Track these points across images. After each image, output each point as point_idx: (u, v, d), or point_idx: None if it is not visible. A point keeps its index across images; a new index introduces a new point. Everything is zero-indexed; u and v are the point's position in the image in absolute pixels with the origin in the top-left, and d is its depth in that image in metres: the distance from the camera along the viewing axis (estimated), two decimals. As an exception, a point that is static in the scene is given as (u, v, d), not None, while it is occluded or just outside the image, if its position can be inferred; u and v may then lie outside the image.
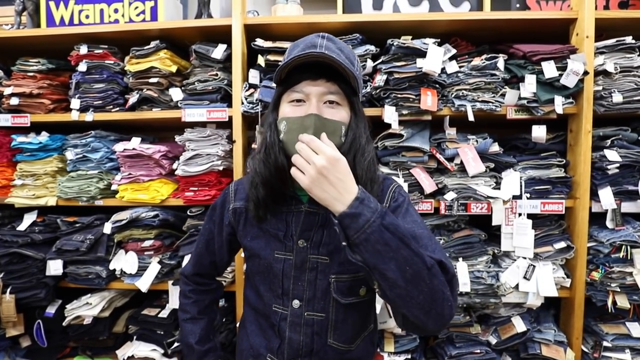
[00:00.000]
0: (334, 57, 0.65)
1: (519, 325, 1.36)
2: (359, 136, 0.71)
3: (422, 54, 1.33)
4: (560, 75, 1.28)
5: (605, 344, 1.34)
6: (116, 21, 1.53)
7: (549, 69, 1.29)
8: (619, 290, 1.32)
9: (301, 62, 0.67)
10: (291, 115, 0.69)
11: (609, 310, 1.33)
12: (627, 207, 1.33)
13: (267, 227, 0.76)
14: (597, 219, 1.37)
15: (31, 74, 1.51)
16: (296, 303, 0.73)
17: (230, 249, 0.88)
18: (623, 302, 1.32)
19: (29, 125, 1.50)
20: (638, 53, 1.33)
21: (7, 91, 1.49)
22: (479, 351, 1.35)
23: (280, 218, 0.75)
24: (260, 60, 1.41)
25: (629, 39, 1.32)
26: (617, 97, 1.31)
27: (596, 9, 1.32)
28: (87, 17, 1.53)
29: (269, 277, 0.75)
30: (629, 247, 1.30)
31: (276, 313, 0.75)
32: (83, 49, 1.48)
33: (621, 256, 1.30)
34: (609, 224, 1.35)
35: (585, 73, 1.28)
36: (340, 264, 0.72)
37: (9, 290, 1.43)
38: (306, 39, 0.71)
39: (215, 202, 0.86)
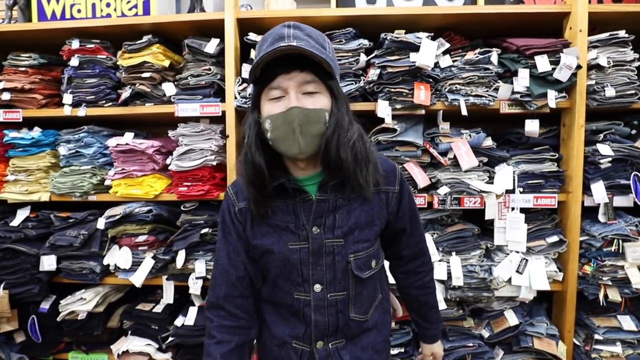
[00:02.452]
0: (302, 47, 0.65)
1: (512, 318, 1.37)
2: (341, 119, 0.72)
3: (416, 48, 1.32)
4: (554, 69, 1.28)
5: (596, 337, 1.35)
6: (108, 15, 1.52)
7: (542, 63, 1.29)
8: (610, 283, 1.33)
9: (272, 58, 0.66)
10: (273, 112, 0.70)
11: (601, 304, 1.34)
12: (619, 201, 1.34)
13: (276, 222, 0.76)
14: (589, 213, 1.38)
15: (23, 68, 1.50)
16: (318, 287, 0.76)
17: (253, 255, 0.82)
18: (614, 295, 1.33)
19: (21, 120, 1.49)
20: (631, 47, 1.33)
21: (-1, 86, 1.48)
22: (471, 344, 1.36)
23: (287, 210, 0.76)
24: (253, 55, 1.40)
25: (622, 33, 1.32)
26: (610, 91, 1.31)
27: (590, 2, 1.32)
28: (79, 11, 1.52)
29: (286, 268, 0.76)
30: (620, 241, 1.31)
31: (299, 300, 0.77)
32: (75, 44, 1.47)
33: (613, 250, 1.31)
34: (601, 218, 1.35)
35: (579, 67, 1.28)
36: (354, 243, 0.77)
37: (2, 285, 1.43)
38: (273, 31, 0.70)
39: (221, 213, 0.83)
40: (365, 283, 0.79)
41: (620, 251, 1.31)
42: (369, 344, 0.81)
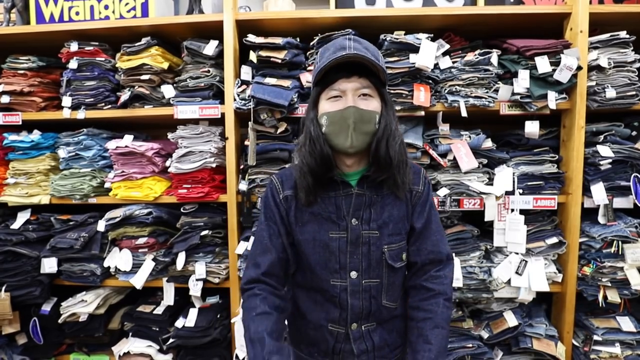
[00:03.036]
0: (368, 56, 0.75)
1: (511, 319, 1.37)
2: (390, 122, 0.81)
3: (415, 49, 1.32)
4: (554, 70, 1.28)
5: (595, 337, 1.35)
6: (107, 17, 1.51)
7: (543, 64, 1.28)
8: (610, 285, 1.33)
9: (337, 63, 0.76)
10: (331, 110, 0.79)
11: (600, 305, 1.34)
12: (619, 202, 1.34)
13: (319, 211, 0.84)
14: (589, 214, 1.38)
15: (22, 71, 1.50)
16: (354, 274, 0.83)
17: (292, 241, 0.87)
18: (614, 296, 1.33)
19: (20, 123, 1.50)
20: (632, 48, 1.32)
21: (-2, 89, 1.48)
22: (471, 345, 1.37)
23: (330, 202, 0.84)
24: (253, 57, 1.40)
25: (623, 34, 1.31)
26: (611, 93, 1.30)
27: (590, 3, 1.31)
28: (77, 13, 1.52)
29: (324, 255, 0.83)
30: (620, 243, 1.31)
31: (335, 286, 0.83)
32: (74, 46, 1.46)
33: (612, 251, 1.31)
34: (600, 219, 1.35)
35: (579, 68, 1.28)
36: (389, 235, 0.84)
37: (4, 288, 1.43)
38: (335, 42, 0.80)
39: (264, 200, 0.89)
40: (397, 272, 0.86)
41: (620, 252, 1.31)
42: (394, 328, 0.89)
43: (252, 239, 1.39)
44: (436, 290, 0.84)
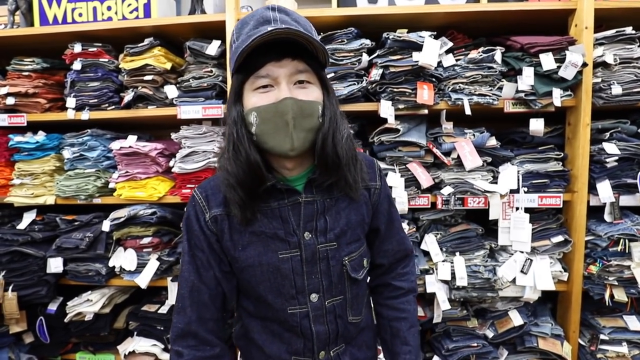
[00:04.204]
0: (301, 31, 0.59)
1: (516, 319, 1.36)
2: (334, 113, 0.67)
3: (418, 47, 1.31)
4: (559, 67, 1.27)
5: (602, 337, 1.34)
6: (109, 19, 1.52)
7: (547, 61, 1.27)
8: (616, 283, 1.31)
9: (260, 43, 0.59)
10: (261, 104, 0.63)
11: (607, 304, 1.32)
12: (626, 200, 1.32)
13: (261, 229, 0.68)
14: (595, 212, 1.36)
15: (26, 73, 1.51)
16: (314, 297, 0.70)
17: (229, 269, 0.73)
18: (621, 295, 1.32)
19: (25, 124, 1.51)
20: (638, 44, 1.30)
21: (3, 91, 1.49)
22: (475, 345, 1.36)
23: (273, 215, 0.69)
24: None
25: (629, 30, 1.29)
26: (617, 89, 1.29)
27: (595, -1, 1.30)
28: (80, 15, 1.52)
29: (276, 281, 0.69)
30: (627, 241, 1.29)
31: (294, 315, 0.70)
32: (77, 48, 1.47)
33: (619, 250, 1.29)
34: (607, 217, 1.34)
35: (584, 65, 1.26)
36: (347, 244, 0.73)
37: (10, 288, 1.45)
38: (255, 13, 0.63)
39: (185, 221, 0.71)
40: (359, 283, 0.76)
41: (627, 251, 1.29)
42: (363, 342, 0.79)
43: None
44: (406, 288, 0.82)
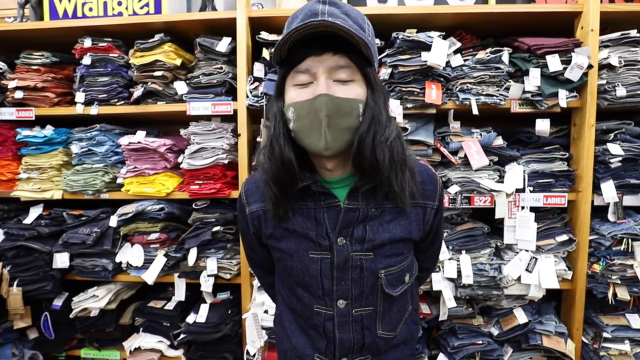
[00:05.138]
0: (339, 24, 0.55)
1: (521, 316, 1.38)
2: (378, 114, 0.62)
3: (427, 47, 1.33)
4: (565, 68, 1.29)
5: (605, 335, 1.36)
6: (120, 14, 1.52)
7: (554, 63, 1.29)
8: (619, 282, 1.33)
9: (302, 36, 0.57)
10: (299, 100, 0.61)
11: (610, 302, 1.34)
12: (629, 200, 1.35)
13: (294, 227, 0.68)
14: (599, 212, 1.38)
15: (35, 67, 1.51)
16: (341, 302, 0.68)
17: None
18: (623, 294, 1.33)
19: (33, 118, 1.51)
20: (643, 47, 1.33)
21: (12, 84, 1.49)
22: (481, 342, 1.37)
23: (308, 215, 0.67)
24: (265, 54, 1.41)
25: (633, 33, 1.32)
26: (621, 91, 1.31)
27: (601, 2, 1.32)
28: (90, 9, 1.53)
29: (305, 278, 0.68)
30: (630, 240, 1.31)
31: (319, 314, 0.69)
32: (87, 42, 1.47)
33: (622, 249, 1.31)
34: (610, 217, 1.36)
35: (590, 67, 1.28)
36: (386, 257, 0.68)
37: (16, 283, 1.44)
38: (305, 7, 0.61)
39: (237, 207, 0.78)
40: (395, 299, 0.70)
41: (630, 250, 1.31)
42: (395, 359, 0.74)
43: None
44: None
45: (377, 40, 1.38)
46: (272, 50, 1.38)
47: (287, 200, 0.66)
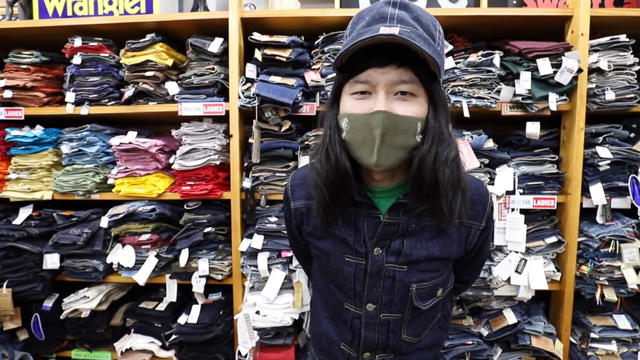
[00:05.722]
0: (408, 39, 0.52)
1: (510, 317, 1.39)
2: (440, 132, 0.59)
3: (419, 49, 1.33)
4: (555, 72, 1.30)
5: (592, 335, 1.38)
6: (110, 13, 1.51)
7: (544, 66, 1.30)
8: (607, 283, 1.35)
9: (366, 45, 0.54)
10: (354, 112, 0.59)
11: (597, 303, 1.36)
12: (617, 203, 1.36)
13: (333, 230, 0.69)
14: (587, 214, 1.40)
15: (24, 66, 1.49)
16: (370, 306, 0.69)
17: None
18: (611, 295, 1.35)
19: (23, 118, 1.49)
20: (631, 51, 1.34)
21: (0, 84, 1.47)
22: (470, 342, 1.39)
23: (348, 221, 0.68)
24: (257, 55, 1.40)
25: (622, 37, 1.33)
26: (610, 95, 1.33)
27: (591, 6, 1.33)
28: (80, 8, 1.51)
29: (339, 278, 0.70)
30: (617, 242, 1.33)
31: (348, 311, 0.71)
32: (77, 42, 1.46)
33: (610, 251, 1.33)
34: (599, 219, 1.38)
35: (580, 70, 1.29)
36: (420, 272, 0.67)
37: (5, 284, 1.43)
38: (373, 7, 0.58)
39: (283, 199, 0.80)
40: (424, 311, 0.71)
41: (617, 252, 1.33)
42: None
43: (255, 236, 1.40)
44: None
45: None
46: (264, 51, 1.37)
47: (339, 206, 0.66)
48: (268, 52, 1.37)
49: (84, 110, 1.46)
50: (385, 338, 0.71)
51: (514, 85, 1.35)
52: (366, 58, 0.56)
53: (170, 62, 1.45)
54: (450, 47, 1.37)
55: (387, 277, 0.67)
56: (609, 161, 1.34)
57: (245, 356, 1.37)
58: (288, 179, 0.78)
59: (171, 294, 1.49)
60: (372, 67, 0.57)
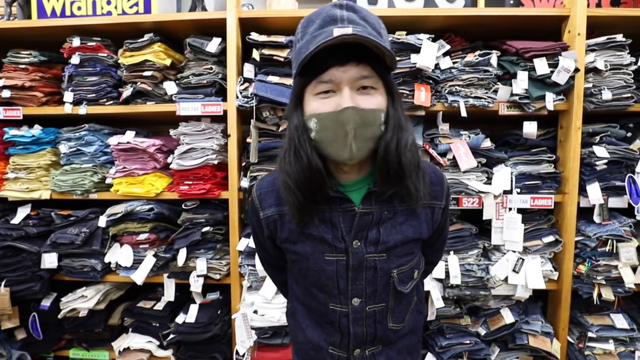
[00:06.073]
0: (368, 38, 0.55)
1: (508, 316, 1.40)
2: (399, 119, 0.63)
3: (417, 49, 1.33)
4: (552, 72, 1.30)
5: (590, 334, 1.38)
6: (109, 13, 1.51)
7: (541, 66, 1.31)
8: (604, 283, 1.36)
9: (325, 46, 0.56)
10: (322, 111, 0.61)
11: (595, 302, 1.36)
12: (614, 202, 1.37)
13: (310, 231, 0.69)
14: (584, 213, 1.40)
15: (23, 66, 1.49)
16: (356, 301, 0.71)
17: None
18: (608, 294, 1.36)
19: (21, 118, 1.49)
20: (628, 51, 1.35)
21: (-1, 83, 1.47)
22: (468, 342, 1.39)
23: (324, 219, 0.69)
24: (255, 54, 1.40)
25: (619, 37, 1.33)
26: (607, 94, 1.33)
27: (588, 6, 1.34)
28: (79, 8, 1.52)
29: (321, 279, 0.71)
30: (614, 241, 1.33)
31: (334, 311, 0.72)
32: (76, 41, 1.46)
33: (607, 250, 1.34)
34: (596, 218, 1.38)
35: (576, 70, 1.30)
36: (398, 257, 0.70)
37: (3, 283, 1.43)
38: (321, 11, 0.60)
39: (249, 212, 0.78)
40: (405, 295, 0.74)
41: (614, 251, 1.34)
42: (403, 347, 0.77)
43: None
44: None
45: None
46: (262, 51, 1.37)
47: (312, 206, 0.67)
48: (266, 52, 1.38)
49: (82, 109, 1.46)
50: (373, 330, 0.73)
51: (511, 85, 1.35)
52: (326, 59, 0.59)
53: (168, 62, 1.46)
54: (447, 47, 1.37)
55: (368, 268, 0.69)
56: (605, 160, 1.34)
57: (243, 355, 1.37)
58: (253, 190, 0.76)
59: (169, 294, 1.49)
60: (333, 66, 0.59)
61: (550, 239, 1.40)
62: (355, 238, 0.69)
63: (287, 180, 0.66)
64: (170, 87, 1.45)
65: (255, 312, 1.38)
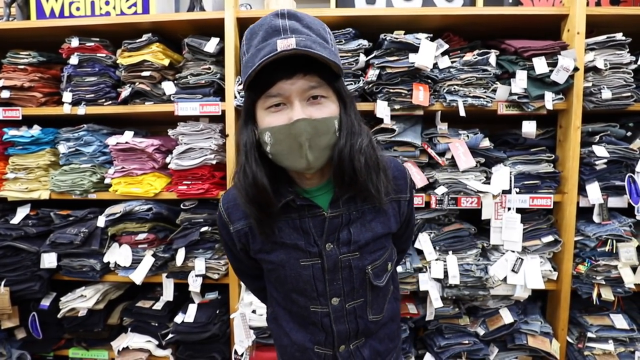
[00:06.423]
0: (309, 49, 0.56)
1: (507, 316, 1.39)
2: (352, 126, 0.64)
3: (415, 48, 1.33)
4: (551, 71, 1.29)
5: (589, 335, 1.38)
6: (107, 13, 1.51)
7: (540, 65, 1.30)
8: (604, 283, 1.35)
9: (270, 61, 0.56)
10: (275, 124, 0.61)
11: (594, 303, 1.36)
12: (614, 202, 1.36)
13: (282, 239, 0.70)
14: (584, 213, 1.40)
15: (22, 66, 1.50)
16: (335, 300, 0.72)
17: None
18: (607, 294, 1.35)
19: (20, 118, 1.50)
20: (627, 50, 1.34)
21: (-2, 84, 1.48)
22: (467, 342, 1.39)
23: (294, 226, 0.69)
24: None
25: (619, 36, 1.33)
26: (606, 94, 1.32)
27: (587, 5, 1.33)
28: (77, 9, 1.52)
29: (299, 284, 0.72)
30: (614, 241, 1.33)
31: (316, 313, 0.73)
32: (74, 42, 1.47)
33: (607, 250, 1.33)
34: (595, 218, 1.37)
35: (576, 69, 1.29)
36: (370, 253, 0.72)
37: (3, 282, 1.44)
38: (263, 22, 0.60)
39: (218, 225, 0.78)
40: (381, 288, 0.76)
41: (614, 251, 1.33)
42: (385, 336, 0.80)
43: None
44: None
45: (365, 42, 1.38)
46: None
47: (270, 218, 0.68)
48: (264, 51, 1.37)
49: (81, 110, 1.47)
50: (355, 325, 0.74)
51: (510, 84, 1.35)
52: (272, 72, 0.58)
53: (166, 62, 1.46)
54: (445, 47, 1.37)
55: (343, 268, 0.71)
56: (605, 160, 1.34)
57: (242, 355, 1.37)
58: (220, 203, 0.75)
59: (168, 293, 1.49)
60: (280, 79, 0.59)
61: (549, 238, 1.39)
62: (328, 241, 0.69)
63: (240, 196, 0.67)
64: (168, 87, 1.46)
65: (254, 311, 1.38)
